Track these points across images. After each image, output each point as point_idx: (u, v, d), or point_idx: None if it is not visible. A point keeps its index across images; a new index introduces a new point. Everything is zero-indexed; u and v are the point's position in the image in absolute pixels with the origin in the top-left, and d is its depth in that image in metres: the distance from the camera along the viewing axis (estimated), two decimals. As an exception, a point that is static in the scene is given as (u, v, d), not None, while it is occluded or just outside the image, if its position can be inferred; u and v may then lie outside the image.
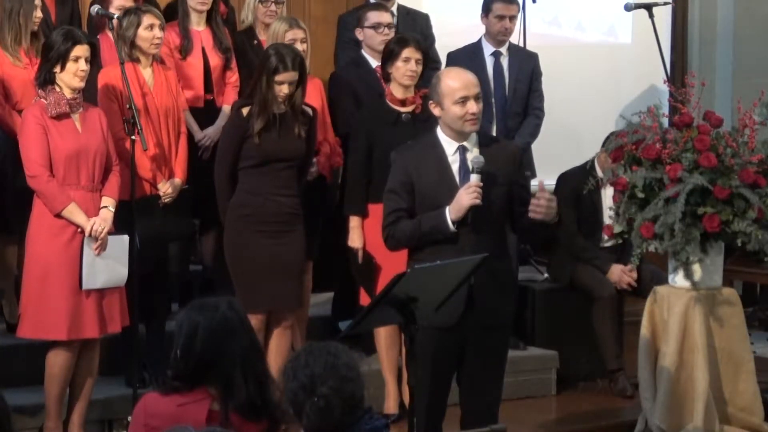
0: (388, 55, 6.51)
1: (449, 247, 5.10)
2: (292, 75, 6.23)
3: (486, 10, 7.64)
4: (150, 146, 6.34)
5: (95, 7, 6.71)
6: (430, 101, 5.31)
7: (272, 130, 6.26)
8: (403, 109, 6.52)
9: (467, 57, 7.36)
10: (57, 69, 5.92)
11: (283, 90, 6.23)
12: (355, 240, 6.61)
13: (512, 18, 7.61)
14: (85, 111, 6.03)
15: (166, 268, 6.65)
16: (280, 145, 6.27)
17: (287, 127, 6.31)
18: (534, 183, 7.57)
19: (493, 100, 7.49)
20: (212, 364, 3.85)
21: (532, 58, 7.77)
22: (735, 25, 9.95)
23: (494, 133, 7.40)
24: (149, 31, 6.45)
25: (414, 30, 7.42)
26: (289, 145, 6.30)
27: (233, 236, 6.35)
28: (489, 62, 7.61)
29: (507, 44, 7.68)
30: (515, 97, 7.61)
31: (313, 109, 6.51)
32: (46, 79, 5.94)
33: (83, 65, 5.92)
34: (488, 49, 7.64)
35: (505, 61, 7.65)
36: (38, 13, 6.49)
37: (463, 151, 5.25)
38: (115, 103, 6.38)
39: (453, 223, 5.12)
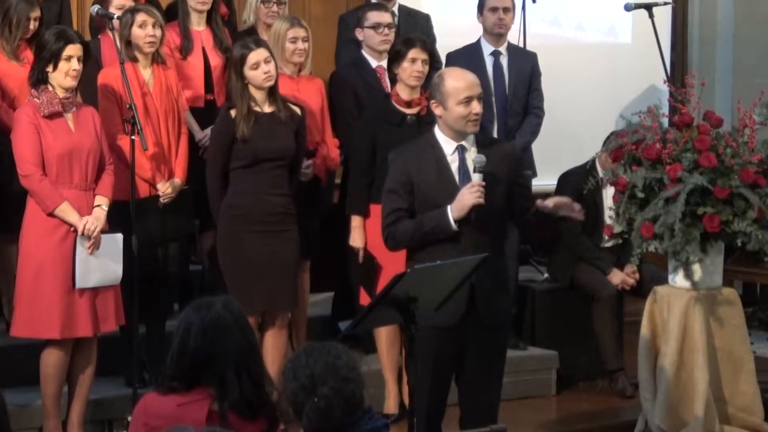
0: (395, 56, 6.50)
1: (451, 247, 5.10)
2: (261, 53, 6.27)
3: (480, 6, 7.66)
4: (149, 146, 6.34)
5: (95, 7, 6.71)
6: (432, 101, 5.30)
7: (262, 131, 6.27)
8: (408, 111, 6.51)
9: (466, 57, 7.36)
10: (49, 68, 5.92)
11: (262, 71, 6.24)
12: (356, 240, 6.61)
13: (506, 10, 7.60)
14: (78, 110, 6.03)
15: (166, 268, 6.65)
16: (270, 145, 6.28)
17: (276, 127, 6.32)
18: (536, 182, 7.65)
19: (493, 100, 7.49)
20: (206, 364, 3.85)
21: (531, 57, 7.78)
22: (735, 25, 9.95)
23: (495, 133, 7.41)
24: (142, 29, 6.45)
25: (415, 30, 7.42)
26: (278, 144, 6.31)
27: (226, 237, 6.36)
28: (488, 62, 7.62)
29: (506, 44, 7.68)
30: (515, 97, 7.62)
31: (302, 109, 6.52)
32: (38, 79, 5.95)
33: (76, 65, 5.92)
34: (487, 48, 7.65)
35: (504, 61, 7.65)
36: (36, 12, 6.49)
37: (462, 150, 5.26)
38: (114, 103, 6.39)
39: (455, 222, 5.12)
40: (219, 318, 3.87)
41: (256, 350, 3.97)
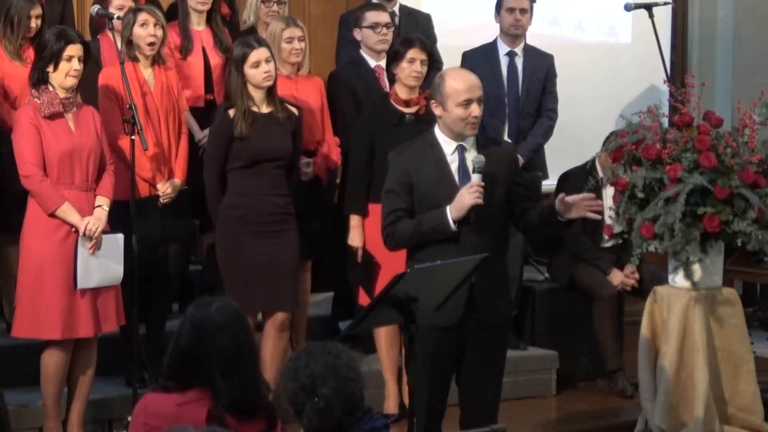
0: (393, 56, 6.52)
1: (451, 247, 5.09)
2: (262, 52, 6.27)
3: (498, 6, 7.67)
4: (150, 146, 6.34)
5: (95, 7, 6.71)
6: (432, 101, 5.31)
7: (260, 131, 6.27)
8: (407, 110, 6.52)
9: (482, 57, 7.38)
10: (50, 68, 5.92)
11: (262, 70, 6.24)
12: (355, 239, 6.61)
13: (523, 11, 7.60)
14: (79, 110, 6.04)
15: (166, 268, 6.65)
16: (268, 146, 6.28)
17: (273, 127, 6.31)
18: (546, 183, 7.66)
19: (506, 100, 7.50)
20: (196, 364, 3.85)
21: (547, 59, 7.77)
22: (735, 25, 9.95)
23: (506, 134, 7.42)
24: (143, 28, 6.45)
25: (416, 30, 7.41)
26: (276, 145, 6.31)
27: (225, 238, 6.36)
28: (503, 62, 7.62)
29: (522, 44, 7.68)
30: (528, 98, 7.62)
31: (299, 109, 6.52)
32: (39, 79, 5.95)
33: (76, 65, 5.92)
34: (503, 49, 7.65)
35: (519, 62, 7.65)
36: (36, 10, 6.49)
37: (461, 150, 5.25)
38: (115, 103, 6.39)
39: (454, 222, 5.11)
40: (207, 319, 3.86)
41: (246, 353, 3.90)
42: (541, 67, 7.69)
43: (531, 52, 7.74)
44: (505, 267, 5.50)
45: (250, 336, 3.98)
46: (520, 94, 7.61)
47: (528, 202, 5.35)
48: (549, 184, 7.82)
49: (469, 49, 7.59)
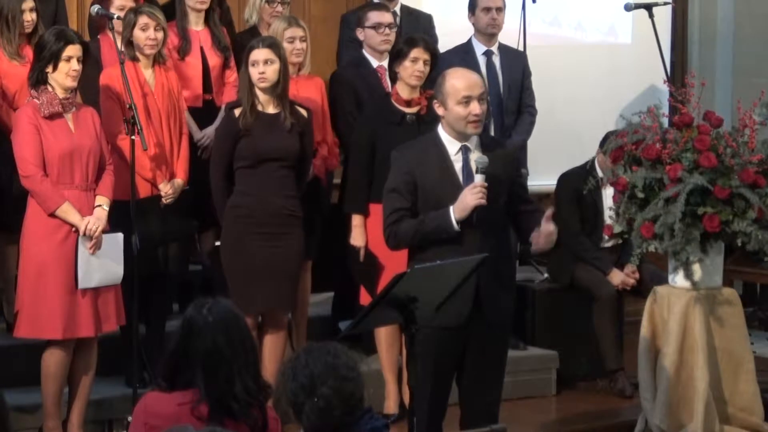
0: (396, 55, 6.52)
1: (455, 248, 5.08)
2: (263, 53, 6.26)
3: (472, 6, 7.67)
4: (150, 146, 6.34)
5: (95, 7, 6.70)
6: (434, 100, 5.31)
7: (264, 130, 6.27)
8: (408, 110, 6.52)
9: (459, 57, 7.36)
10: (49, 69, 5.92)
11: (259, 69, 6.23)
12: (357, 238, 6.61)
13: (499, 10, 7.62)
14: (78, 110, 6.04)
15: (165, 268, 6.65)
16: (273, 145, 6.27)
17: (280, 127, 6.31)
18: (536, 183, 7.63)
19: (488, 98, 7.50)
20: (182, 364, 3.85)
21: (522, 56, 7.81)
22: (735, 25, 9.96)
23: (492, 132, 7.41)
24: (143, 32, 6.45)
25: (416, 30, 7.42)
26: (281, 144, 6.30)
27: (229, 237, 6.36)
28: (481, 61, 7.62)
29: (497, 44, 7.69)
30: (510, 96, 7.64)
31: (308, 110, 6.51)
32: (38, 79, 5.95)
33: (75, 65, 5.92)
34: (479, 48, 7.66)
35: (497, 60, 7.67)
36: (29, 3, 6.47)
37: (465, 151, 5.25)
38: (116, 104, 6.39)
39: (457, 222, 5.11)
40: (192, 319, 3.86)
41: (233, 353, 3.86)
42: (517, 65, 7.71)
43: (506, 50, 7.76)
44: (508, 267, 5.50)
45: (244, 337, 3.92)
46: (502, 92, 7.62)
47: (525, 204, 5.36)
48: (537, 183, 7.81)
49: (445, 51, 7.57)
